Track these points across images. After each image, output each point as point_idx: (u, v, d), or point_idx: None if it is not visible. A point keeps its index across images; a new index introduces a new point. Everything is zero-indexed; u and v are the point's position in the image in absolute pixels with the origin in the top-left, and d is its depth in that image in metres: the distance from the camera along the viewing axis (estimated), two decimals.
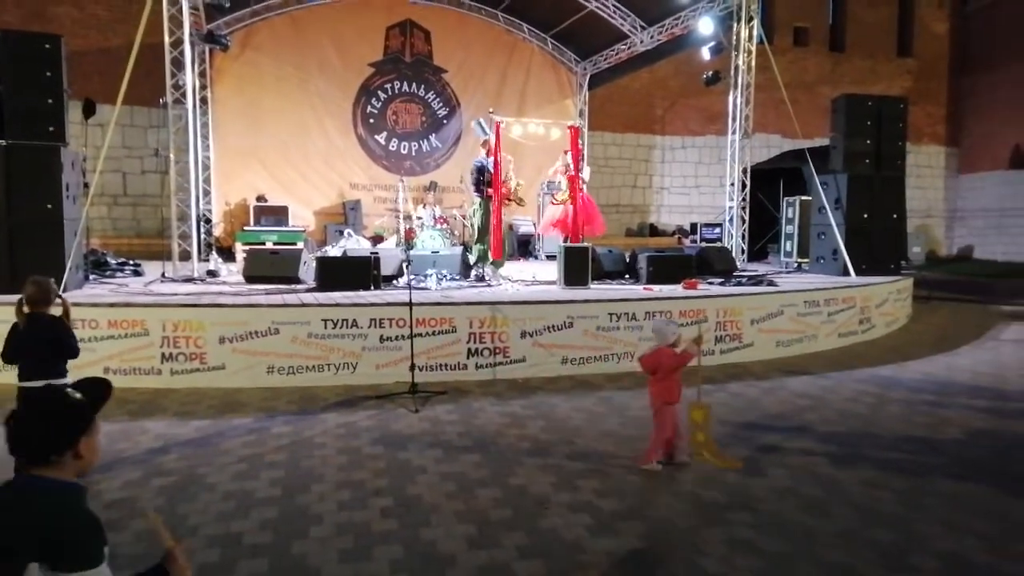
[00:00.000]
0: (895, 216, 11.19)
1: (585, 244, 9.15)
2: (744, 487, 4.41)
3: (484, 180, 9.41)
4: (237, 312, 6.82)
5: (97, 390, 1.86)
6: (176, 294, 7.66)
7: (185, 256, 9.79)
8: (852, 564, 3.48)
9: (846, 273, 10.35)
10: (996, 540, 3.76)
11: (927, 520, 4.00)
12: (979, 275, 17.72)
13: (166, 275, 9.14)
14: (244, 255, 9.66)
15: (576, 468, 4.79)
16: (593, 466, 4.83)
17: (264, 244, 10.58)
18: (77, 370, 5.93)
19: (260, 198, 12.80)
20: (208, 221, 12.46)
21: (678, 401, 4.76)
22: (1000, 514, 4.09)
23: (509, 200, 9.73)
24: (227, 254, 11.62)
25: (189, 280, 8.97)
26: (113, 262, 9.94)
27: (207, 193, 12.69)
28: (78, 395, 1.80)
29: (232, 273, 9.81)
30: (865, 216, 10.76)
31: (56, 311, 4.37)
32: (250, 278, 8.70)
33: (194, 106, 10.08)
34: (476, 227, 9.69)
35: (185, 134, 9.89)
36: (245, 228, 11.80)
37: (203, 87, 12.33)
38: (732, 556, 3.54)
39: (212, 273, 9.57)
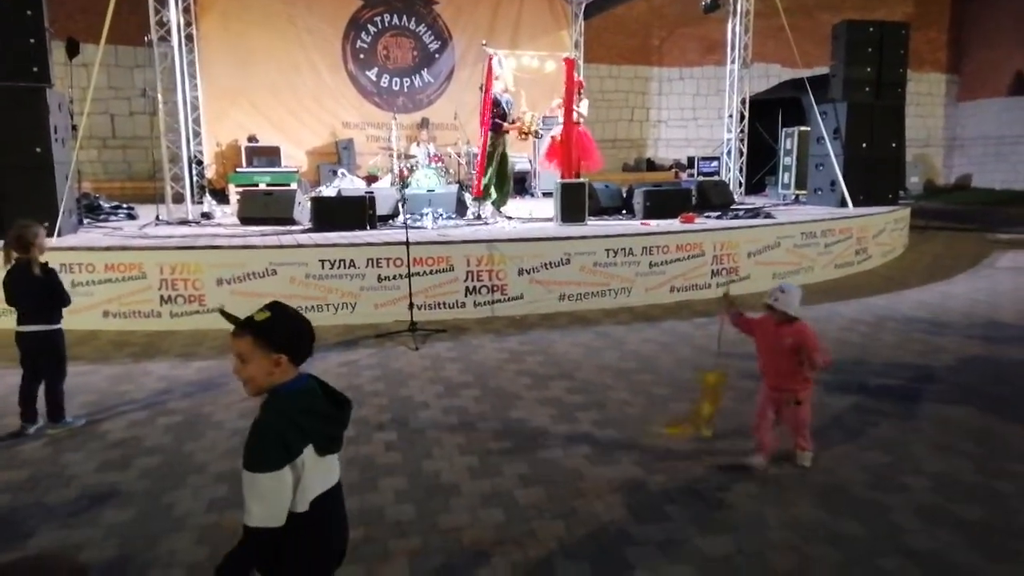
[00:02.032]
0: (894, 145, 11.09)
1: (582, 180, 9.07)
2: (737, 414, 4.48)
3: (497, 114, 9.17)
4: (234, 254, 6.81)
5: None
6: (172, 236, 7.63)
7: (178, 199, 9.71)
8: (845, 485, 3.58)
9: (844, 204, 10.31)
10: (986, 460, 3.86)
11: (919, 442, 4.10)
12: (977, 203, 17.68)
13: (160, 218, 9.08)
14: (238, 197, 9.58)
15: (575, 401, 4.87)
16: (591, 399, 4.91)
17: (257, 186, 10.48)
18: (75, 313, 5.99)
19: (251, 138, 12.60)
20: (200, 163, 12.30)
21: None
22: (989, 435, 4.19)
23: (525, 135, 9.62)
24: (220, 196, 11.52)
25: (184, 223, 8.91)
26: (106, 206, 9.86)
27: (197, 134, 12.47)
28: None
29: (226, 215, 9.75)
30: (864, 146, 10.65)
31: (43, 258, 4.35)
32: (245, 219, 8.64)
33: (180, 44, 9.82)
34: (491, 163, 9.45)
35: (172, 73, 9.66)
36: (238, 170, 11.66)
37: (188, 24, 11.98)
38: (729, 483, 3.64)
39: (207, 215, 9.51)
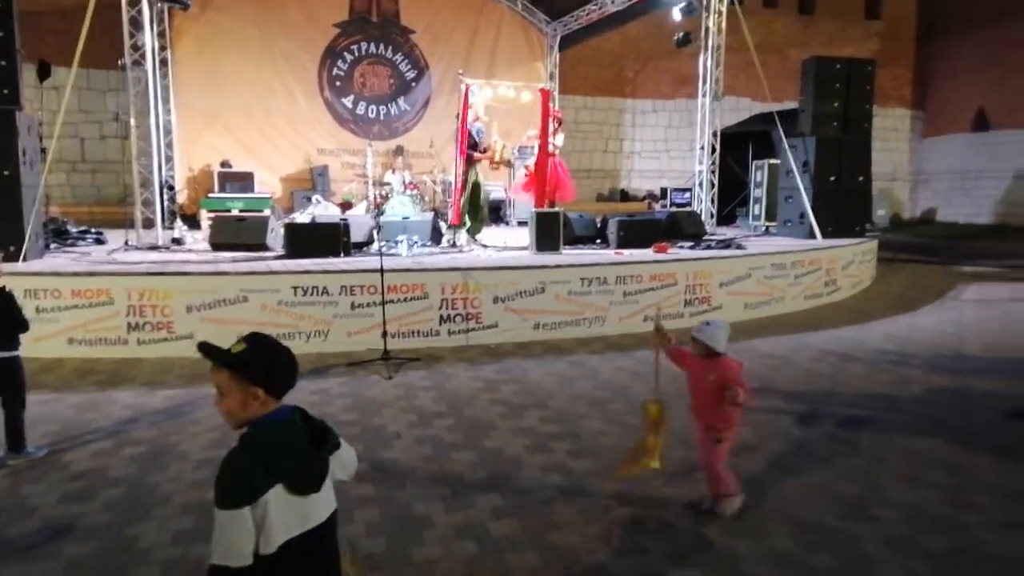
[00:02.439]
0: (861, 179, 11.34)
1: (556, 209, 9.14)
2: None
3: (469, 144, 9.25)
4: (204, 280, 6.72)
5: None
6: (141, 262, 7.51)
7: (148, 224, 9.58)
8: (817, 517, 3.60)
9: (813, 236, 10.50)
10: (953, 491, 3.91)
11: (888, 473, 4.14)
12: (942, 236, 18.11)
13: (129, 243, 8.95)
14: (210, 222, 9.48)
15: (549, 431, 4.85)
16: (566, 428, 4.89)
17: (230, 211, 10.39)
18: (40, 340, 5.85)
19: (224, 164, 12.52)
20: (171, 188, 12.17)
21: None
22: (957, 467, 4.24)
23: (497, 164, 9.69)
24: (192, 221, 11.40)
25: (154, 248, 8.80)
26: (74, 230, 9.70)
27: (169, 159, 12.37)
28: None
29: (198, 241, 9.64)
30: (832, 179, 10.88)
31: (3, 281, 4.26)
32: (216, 245, 8.55)
33: (154, 68, 9.77)
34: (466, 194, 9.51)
35: (145, 97, 9.60)
36: (210, 195, 11.55)
37: (163, 48, 11.94)
38: (703, 515, 3.63)
39: (177, 241, 9.39)
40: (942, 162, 20.96)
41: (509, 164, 10.15)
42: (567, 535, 3.42)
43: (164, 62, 11.99)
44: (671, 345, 3.77)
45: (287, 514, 1.80)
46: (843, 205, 10.95)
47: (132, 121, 9.25)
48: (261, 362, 1.87)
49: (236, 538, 1.74)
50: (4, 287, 4.25)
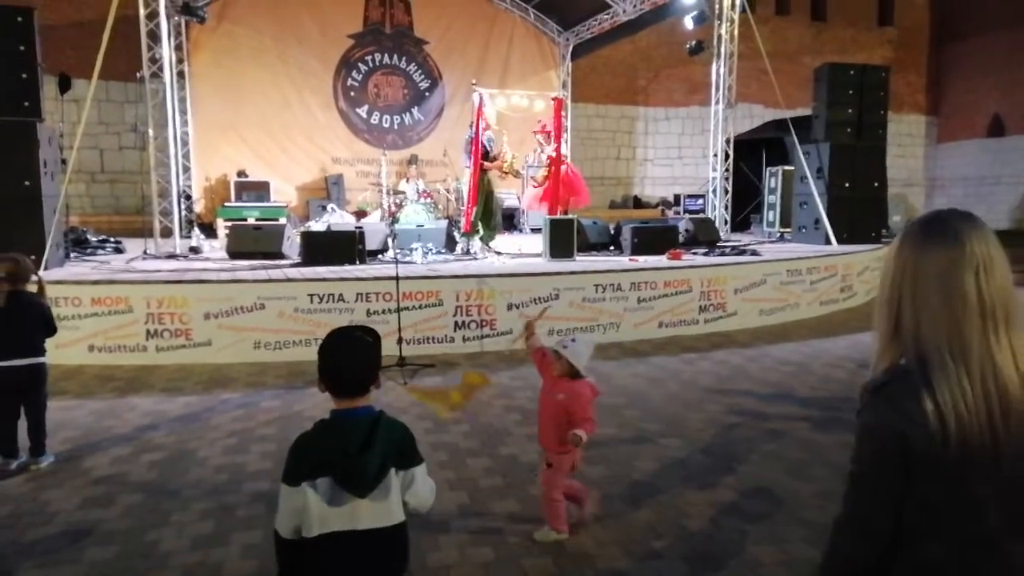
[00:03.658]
0: (876, 185, 11.29)
1: (570, 216, 9.17)
2: (728, 451, 4.49)
3: (482, 154, 9.32)
4: (222, 288, 6.79)
5: (371, 332, 2.13)
6: (159, 271, 7.60)
7: (166, 233, 9.70)
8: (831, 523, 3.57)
9: (828, 242, 10.45)
10: None
11: None
12: None
13: (148, 252, 9.06)
14: (227, 231, 9.58)
15: None
16: None
17: (246, 220, 10.49)
18: (61, 347, 5.93)
19: (241, 173, 12.65)
20: (188, 197, 12.31)
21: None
22: None
23: (505, 174, 9.73)
24: (208, 230, 11.52)
25: (172, 257, 8.90)
26: (94, 239, 9.83)
27: (187, 169, 12.51)
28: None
29: (215, 249, 9.75)
30: (847, 185, 10.84)
31: (32, 288, 4.33)
32: (233, 254, 8.64)
33: (171, 80, 9.92)
34: (465, 199, 9.58)
35: (163, 109, 9.74)
36: (226, 204, 11.68)
37: (180, 61, 12.10)
38: (717, 517, 3.63)
39: (195, 250, 9.49)
40: (957, 168, 20.81)
41: (517, 174, 10.19)
42: (583, 540, 3.41)
43: (181, 74, 12.15)
44: (536, 345, 3.52)
45: (330, 508, 1.88)
46: (858, 211, 10.89)
47: (150, 132, 9.38)
48: (319, 361, 2.01)
49: (283, 509, 1.92)
50: (40, 293, 4.32)
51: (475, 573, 3.13)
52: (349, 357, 2.00)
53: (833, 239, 10.43)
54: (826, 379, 6.24)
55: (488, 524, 3.59)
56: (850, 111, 10.94)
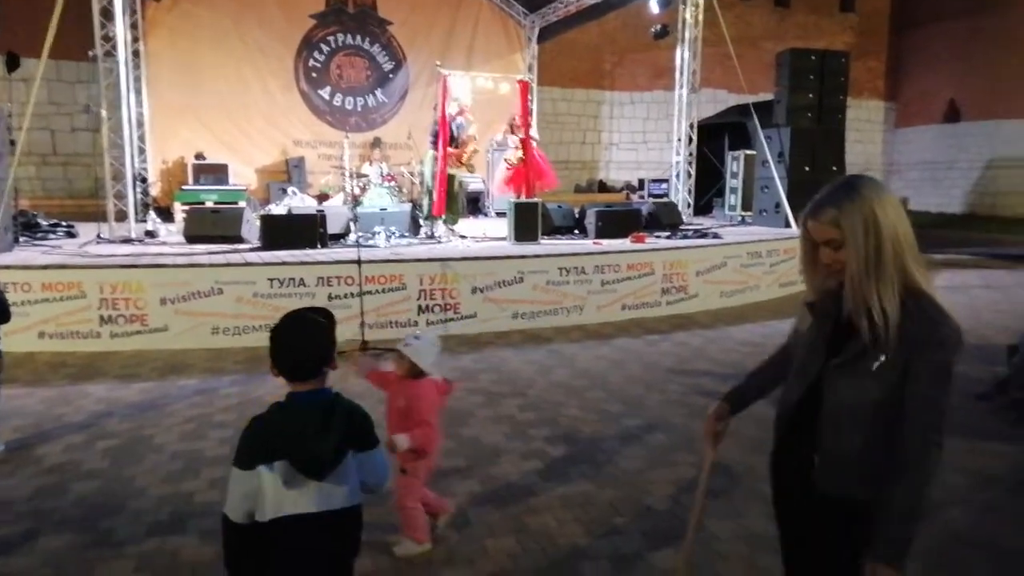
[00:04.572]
0: (835, 169, 11.45)
1: (535, 200, 9.15)
2: (688, 430, 4.55)
3: (449, 137, 9.21)
4: (178, 272, 6.64)
5: (325, 313, 2.09)
6: (113, 255, 7.40)
7: (121, 216, 9.43)
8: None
9: (788, 225, 10.60)
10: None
11: None
12: (914, 226, 18.34)
13: (102, 236, 8.81)
14: (184, 215, 9.36)
15: (527, 418, 4.86)
16: (544, 416, 4.91)
17: (204, 203, 10.26)
18: (9, 334, 5.74)
19: (199, 156, 12.34)
20: (144, 180, 11.98)
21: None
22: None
23: (460, 163, 9.63)
24: (165, 214, 11.24)
25: (127, 241, 8.66)
26: (45, 223, 9.52)
27: (142, 151, 12.16)
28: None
29: (172, 233, 9.52)
30: (807, 169, 10.99)
31: None
32: (191, 238, 8.45)
33: (126, 60, 9.61)
34: (427, 182, 9.50)
35: (117, 89, 9.43)
36: (183, 187, 11.39)
37: (135, 40, 11.73)
38: (678, 494, 3.68)
39: (151, 234, 9.26)
40: (914, 153, 21.26)
41: (470, 169, 10.11)
42: (545, 519, 3.44)
43: (136, 54, 11.79)
44: (367, 368, 3.30)
45: (285, 492, 1.86)
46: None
47: (104, 113, 9.10)
48: (270, 344, 1.97)
49: (234, 494, 1.90)
50: None
51: (437, 555, 3.13)
52: (301, 339, 1.97)
53: (793, 222, 10.57)
54: None
55: (450, 505, 3.58)
56: (811, 96, 11.08)
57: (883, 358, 1.66)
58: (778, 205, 10.89)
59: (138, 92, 11.83)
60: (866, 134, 21.63)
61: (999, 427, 4.68)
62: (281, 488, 1.85)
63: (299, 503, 1.87)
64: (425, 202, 9.54)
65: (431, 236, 9.29)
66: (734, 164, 13.02)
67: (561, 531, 3.33)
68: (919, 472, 1.65)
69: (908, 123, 21.55)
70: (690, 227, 10.71)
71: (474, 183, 13.42)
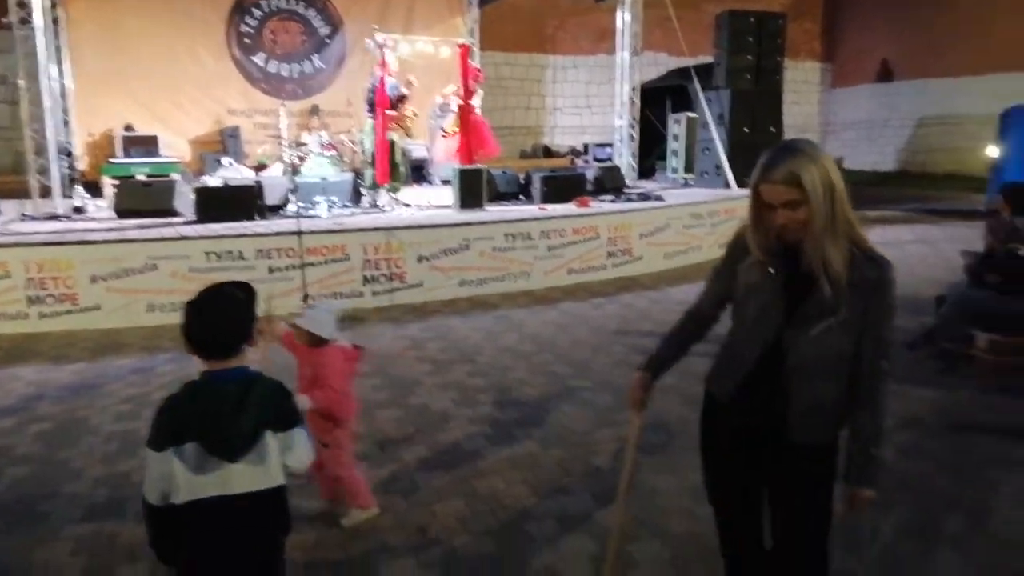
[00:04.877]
0: (773, 131, 11.66)
1: (479, 166, 9.07)
2: None
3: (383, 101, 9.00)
4: (109, 248, 6.38)
5: (245, 288, 2.00)
6: (39, 233, 7.07)
7: (46, 192, 9.01)
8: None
9: (728, 186, 10.77)
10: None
11: None
12: (849, 184, 18.85)
13: (26, 214, 8.40)
14: (113, 189, 8.99)
15: (476, 384, 4.87)
16: (492, 381, 4.92)
17: (135, 177, 9.86)
18: None
19: (127, 127, 11.81)
20: (69, 154, 11.44)
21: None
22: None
23: (398, 125, 9.43)
24: (94, 189, 10.77)
25: (53, 217, 8.28)
26: None
27: (66, 123, 11.60)
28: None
29: (101, 209, 9.14)
30: (746, 130, 11.15)
31: None
32: (121, 212, 8.12)
33: (44, 27, 9.09)
34: (368, 151, 9.33)
35: (35, 59, 8.93)
36: (112, 160, 10.92)
37: (53, 5, 11.09)
38: (623, 452, 3.73)
39: (78, 209, 8.87)
40: (849, 113, 21.75)
41: (408, 133, 9.94)
42: (493, 482, 3.46)
43: (57, 21, 11.18)
44: (283, 333, 3.11)
45: (198, 474, 1.80)
46: (757, 156, 11.12)
47: (22, 84, 8.62)
48: (182, 320, 1.88)
49: (149, 475, 1.83)
50: None
51: (386, 521, 3.13)
52: (214, 315, 1.87)
53: (733, 183, 10.75)
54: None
55: (400, 472, 3.58)
56: (749, 58, 11.20)
57: (844, 308, 1.77)
58: (719, 166, 11.04)
59: (59, 62, 11.24)
60: (803, 95, 22.01)
61: (927, 375, 4.89)
62: (192, 471, 1.78)
63: (215, 485, 1.80)
64: (368, 172, 9.36)
65: (374, 205, 9.14)
66: (676, 127, 13.12)
67: (509, 493, 3.36)
68: (879, 400, 1.85)
69: (843, 83, 22.00)
70: (634, 190, 10.78)
71: (417, 150, 13.23)
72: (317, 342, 2.99)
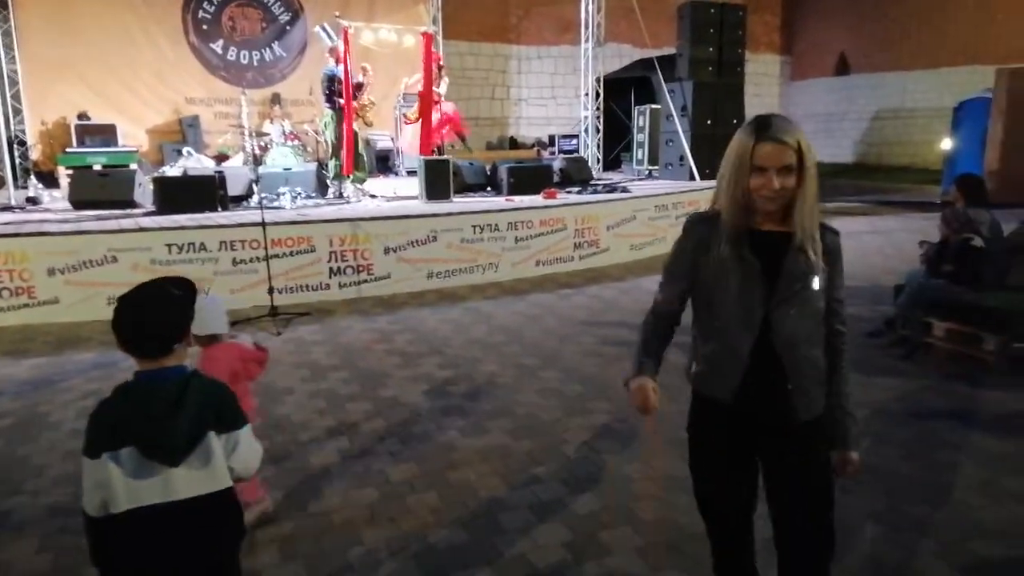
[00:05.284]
0: (735, 123, 11.82)
1: (446, 157, 9.04)
2: (601, 379, 4.68)
3: (335, 91, 8.94)
4: (66, 240, 6.22)
5: (184, 284, 1.93)
6: None
7: None
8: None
9: (692, 178, 10.91)
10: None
11: None
12: None
13: None
14: (69, 179, 8.75)
15: (445, 376, 4.88)
16: (461, 372, 4.93)
17: (91, 167, 9.61)
18: None
19: (82, 116, 11.49)
20: (22, 144, 11.11)
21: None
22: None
23: (356, 115, 9.34)
24: (48, 179, 10.48)
25: (6, 208, 8.04)
26: None
27: (18, 112, 11.24)
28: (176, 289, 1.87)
29: (56, 199, 8.90)
30: (708, 122, 11.29)
31: None
32: (78, 203, 7.91)
33: None
34: (330, 142, 9.24)
35: None
36: (67, 150, 10.62)
37: None
38: (593, 441, 3.79)
39: (33, 200, 8.62)
40: (808, 106, 22.14)
41: (368, 123, 9.85)
42: (465, 473, 3.48)
43: (4, 5, 10.80)
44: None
45: (137, 480, 1.71)
46: (719, 148, 11.26)
47: None
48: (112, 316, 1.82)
49: (86, 484, 1.74)
50: None
51: (359, 515, 3.12)
52: (144, 313, 1.79)
53: (696, 174, 10.89)
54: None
55: (372, 465, 3.57)
56: (711, 50, 11.32)
57: (820, 274, 1.85)
58: (682, 158, 11.17)
59: (9, 48, 10.88)
60: (763, 87, 22.34)
61: (888, 362, 5.03)
62: (130, 477, 1.70)
63: (156, 492, 1.71)
64: (331, 162, 9.26)
65: (339, 196, 9.06)
66: (640, 119, 13.22)
67: (481, 483, 3.38)
68: (846, 360, 1.95)
69: (802, 76, 22.39)
70: (600, 182, 10.86)
71: (383, 141, 13.12)
72: (204, 341, 2.83)
